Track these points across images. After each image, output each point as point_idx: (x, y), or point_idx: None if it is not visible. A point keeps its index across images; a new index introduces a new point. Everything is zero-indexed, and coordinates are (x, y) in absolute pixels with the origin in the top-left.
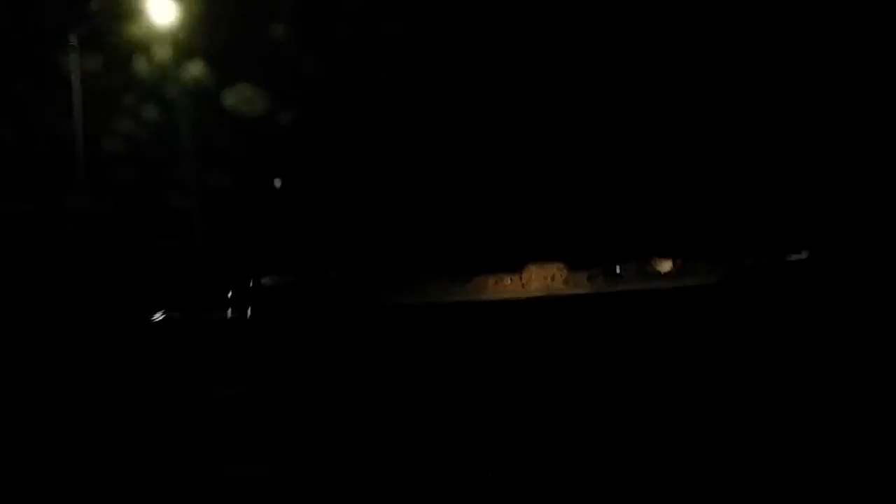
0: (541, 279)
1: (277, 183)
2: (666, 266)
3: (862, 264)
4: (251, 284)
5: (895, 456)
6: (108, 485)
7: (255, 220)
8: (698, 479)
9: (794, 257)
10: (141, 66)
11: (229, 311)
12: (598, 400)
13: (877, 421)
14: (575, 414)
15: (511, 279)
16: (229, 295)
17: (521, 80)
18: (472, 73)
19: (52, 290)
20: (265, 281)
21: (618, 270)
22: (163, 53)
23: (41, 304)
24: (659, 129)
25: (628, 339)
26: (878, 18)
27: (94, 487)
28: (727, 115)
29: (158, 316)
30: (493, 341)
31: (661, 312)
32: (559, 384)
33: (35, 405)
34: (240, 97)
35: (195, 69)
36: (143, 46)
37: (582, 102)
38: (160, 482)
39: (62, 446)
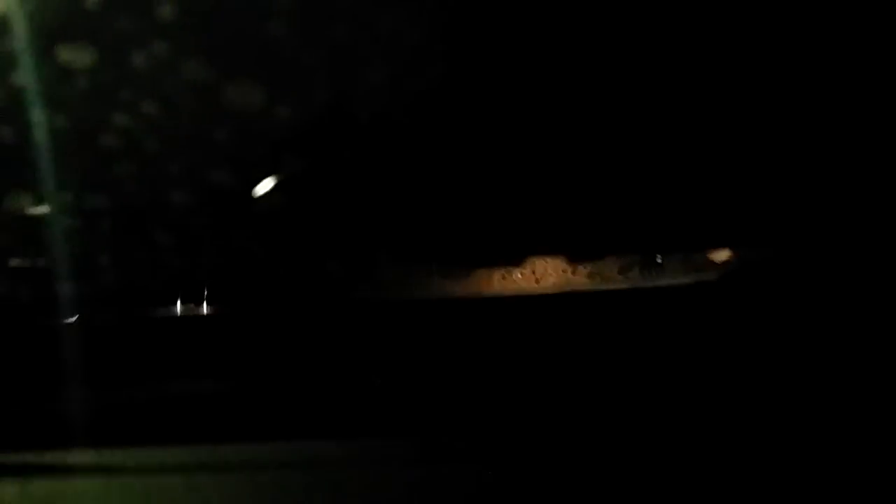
0: (558, 272)
1: (271, 179)
2: (720, 255)
3: None
4: (211, 280)
5: None
6: None
7: (251, 215)
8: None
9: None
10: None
11: (181, 307)
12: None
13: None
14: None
15: (521, 272)
16: (185, 291)
17: (527, 57)
18: (470, 60)
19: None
20: (251, 274)
21: (658, 260)
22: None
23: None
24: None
25: (674, 348)
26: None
27: None
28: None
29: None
30: (499, 345)
31: (716, 312)
32: (584, 393)
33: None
34: (237, 91)
35: (194, 63)
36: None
37: (590, 89)
38: None
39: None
